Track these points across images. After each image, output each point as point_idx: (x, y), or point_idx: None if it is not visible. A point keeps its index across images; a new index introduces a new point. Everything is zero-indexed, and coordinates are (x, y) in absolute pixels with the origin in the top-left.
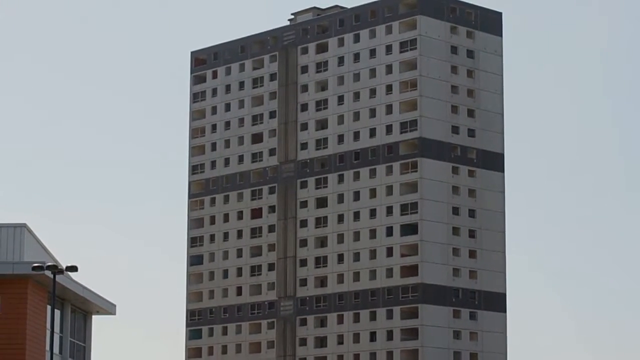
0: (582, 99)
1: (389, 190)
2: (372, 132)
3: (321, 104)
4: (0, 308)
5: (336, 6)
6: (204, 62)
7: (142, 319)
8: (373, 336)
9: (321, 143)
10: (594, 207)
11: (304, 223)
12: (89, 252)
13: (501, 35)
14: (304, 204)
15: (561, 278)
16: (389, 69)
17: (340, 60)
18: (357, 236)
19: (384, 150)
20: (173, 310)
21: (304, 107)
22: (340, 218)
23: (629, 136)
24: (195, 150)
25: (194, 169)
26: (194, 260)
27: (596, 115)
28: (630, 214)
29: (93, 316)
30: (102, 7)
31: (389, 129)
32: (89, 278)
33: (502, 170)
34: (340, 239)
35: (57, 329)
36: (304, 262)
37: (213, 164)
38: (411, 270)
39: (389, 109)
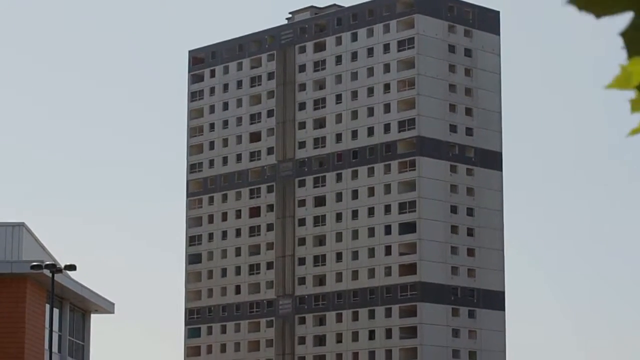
0: (579, 97)
1: (387, 188)
2: (370, 131)
3: (319, 103)
4: None
5: (334, 5)
6: (202, 61)
7: (141, 318)
8: (372, 334)
9: (319, 142)
10: (591, 205)
11: (302, 222)
12: (87, 251)
13: (499, 34)
14: (302, 203)
15: (559, 276)
16: (387, 67)
17: (338, 59)
18: (355, 235)
19: (382, 149)
20: (172, 308)
21: (302, 106)
22: (339, 217)
23: (627, 134)
24: (194, 149)
25: (192, 168)
26: (193, 259)
27: (594, 113)
28: (628, 212)
29: (92, 315)
30: (100, 6)
31: (387, 128)
32: (87, 277)
33: (500, 169)
34: (339, 237)
35: (55, 327)
36: (302, 261)
37: (211, 163)
38: (410, 269)
39: (387, 108)
